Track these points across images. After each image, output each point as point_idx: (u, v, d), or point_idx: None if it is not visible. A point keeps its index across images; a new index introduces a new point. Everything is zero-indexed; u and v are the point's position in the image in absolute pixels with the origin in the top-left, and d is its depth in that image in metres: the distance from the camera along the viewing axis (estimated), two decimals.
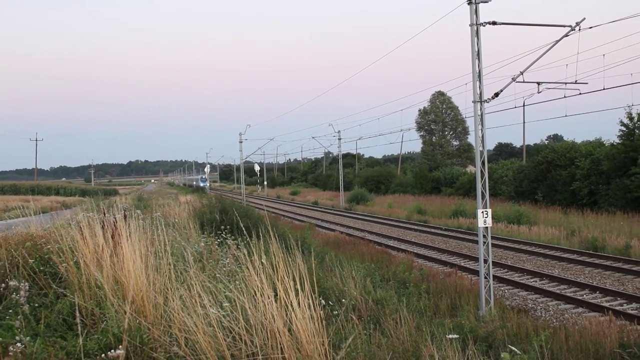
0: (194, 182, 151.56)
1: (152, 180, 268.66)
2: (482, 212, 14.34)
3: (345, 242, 27.69)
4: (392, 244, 29.88)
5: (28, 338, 6.15)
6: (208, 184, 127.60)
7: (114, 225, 10.10)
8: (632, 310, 15.68)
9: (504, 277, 20.37)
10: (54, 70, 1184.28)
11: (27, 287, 8.02)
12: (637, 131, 39.20)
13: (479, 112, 14.49)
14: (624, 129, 40.38)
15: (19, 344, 5.89)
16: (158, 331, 6.37)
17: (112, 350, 5.64)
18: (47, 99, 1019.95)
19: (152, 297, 7.07)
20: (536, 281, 19.94)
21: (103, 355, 5.70)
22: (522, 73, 15.44)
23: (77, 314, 6.31)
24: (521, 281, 19.67)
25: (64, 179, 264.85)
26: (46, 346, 6.15)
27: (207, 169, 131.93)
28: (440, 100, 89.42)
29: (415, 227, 38.69)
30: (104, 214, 11.62)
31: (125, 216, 10.83)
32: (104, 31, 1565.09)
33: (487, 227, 14.48)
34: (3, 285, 8.25)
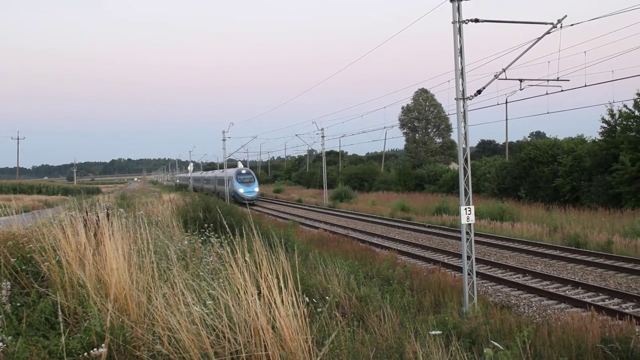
0: (204, 183, 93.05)
1: (135, 179, 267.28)
2: (465, 209, 14.39)
3: (329, 239, 27.69)
4: (375, 241, 29.92)
5: (10, 337, 6.12)
6: (257, 191, 70.60)
7: (97, 223, 10.06)
8: (613, 305, 15.80)
9: (488, 273, 20.45)
10: (34, 66, 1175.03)
11: (9, 287, 7.97)
12: (619, 128, 39.51)
13: (462, 109, 14.55)
14: (605, 125, 40.71)
15: (0, 344, 5.85)
16: (141, 329, 6.35)
17: (95, 349, 5.62)
18: (28, 96, 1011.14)
19: (135, 295, 7.04)
20: (519, 277, 20.04)
21: (85, 354, 5.68)
22: (504, 70, 15.52)
23: (59, 313, 6.28)
24: (504, 277, 19.77)
25: (46, 177, 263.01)
26: (28, 345, 6.11)
27: (190, 167, 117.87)
28: (424, 98, 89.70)
29: (399, 225, 38.74)
30: (87, 213, 11.57)
31: (108, 214, 10.78)
32: (84, 25, 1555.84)
33: (470, 224, 14.55)
34: None
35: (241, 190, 67.78)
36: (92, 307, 6.88)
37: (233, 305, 5.96)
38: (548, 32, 14.89)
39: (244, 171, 72.70)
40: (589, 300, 16.31)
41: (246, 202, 59.45)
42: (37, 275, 9.22)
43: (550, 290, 17.65)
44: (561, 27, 14.71)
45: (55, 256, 8.95)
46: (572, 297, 16.73)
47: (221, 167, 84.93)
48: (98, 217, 10.55)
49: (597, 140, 42.26)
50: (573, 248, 25.28)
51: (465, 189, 14.54)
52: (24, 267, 9.49)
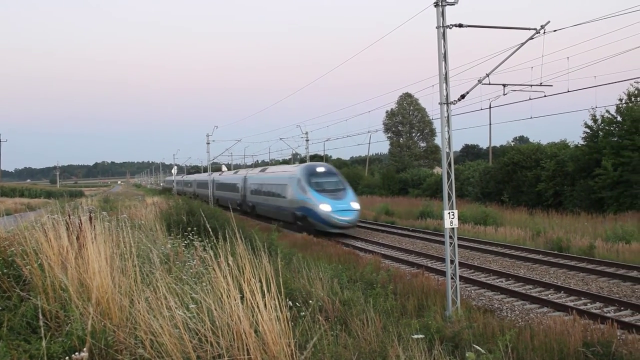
0: (224, 191, 63.61)
1: (119, 182, 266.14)
2: (449, 213, 14.42)
3: (313, 243, 27.65)
4: (359, 245, 29.94)
5: None
6: (358, 209, 35.50)
7: (79, 227, 10.02)
8: (595, 309, 15.88)
9: (471, 277, 20.51)
10: (16, 66, 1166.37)
11: None
12: (601, 133, 39.75)
13: (446, 114, 14.58)
14: (588, 130, 40.94)
15: None
16: (123, 333, 6.33)
17: (77, 353, 5.60)
18: (10, 97, 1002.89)
19: (117, 299, 7.02)
20: (502, 281, 20.11)
21: (67, 358, 5.65)
22: (488, 75, 15.57)
23: (40, 317, 6.25)
24: (487, 281, 19.82)
25: (28, 180, 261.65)
26: (9, 349, 6.08)
27: (174, 170, 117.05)
28: (408, 102, 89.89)
29: (383, 228, 38.75)
30: (69, 216, 11.52)
31: (90, 218, 10.73)
32: (71, 26, 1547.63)
33: (453, 228, 14.57)
34: None
35: (326, 207, 34.15)
36: (74, 311, 6.85)
37: (216, 309, 5.96)
38: (531, 38, 14.96)
39: (321, 169, 38.54)
40: (571, 304, 16.39)
41: (337, 230, 34.16)
42: (19, 279, 9.17)
43: (533, 294, 17.72)
44: (544, 32, 14.78)
45: (37, 260, 8.91)
46: (555, 301, 16.81)
47: (205, 170, 79.23)
48: (81, 220, 10.50)
49: (579, 145, 42.51)
50: (556, 252, 25.37)
51: (448, 193, 14.57)
52: (5, 270, 9.44)
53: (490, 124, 60.49)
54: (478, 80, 15.57)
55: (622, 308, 16.09)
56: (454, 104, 14.82)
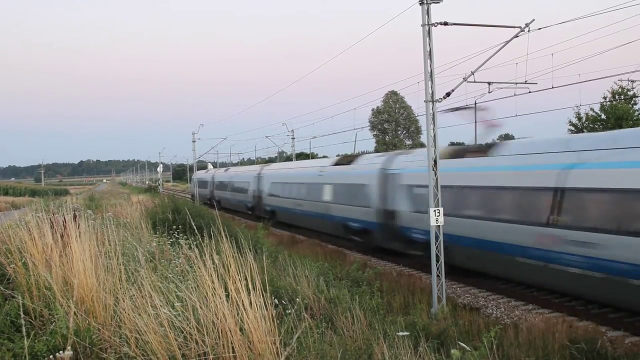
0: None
1: (104, 180, 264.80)
2: (435, 210, 14.46)
3: (300, 241, 27.66)
4: (346, 244, 29.89)
5: None
6: None
7: (64, 225, 9.98)
8: (580, 306, 15.93)
9: (456, 275, 20.51)
10: None
11: None
12: (586, 130, 39.92)
13: (431, 112, 14.62)
14: (572, 128, 41.16)
15: None
16: (108, 332, 6.31)
17: (61, 352, 5.57)
18: None
19: (102, 297, 6.99)
20: (487, 279, 20.12)
21: (51, 356, 5.63)
22: (473, 73, 15.61)
23: (23, 315, 6.22)
24: (473, 279, 19.83)
25: (13, 179, 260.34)
26: None
27: (160, 169, 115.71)
28: (394, 100, 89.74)
29: None
30: (53, 214, 11.47)
31: (75, 216, 10.69)
32: (47, 17, 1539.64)
33: (439, 226, 14.61)
34: None
35: None
36: (58, 310, 6.82)
37: (201, 307, 5.94)
38: (516, 36, 15.02)
39: None
40: (556, 301, 16.43)
41: None
42: (3, 277, 9.14)
43: (518, 292, 17.75)
44: (529, 30, 14.83)
45: (22, 258, 8.86)
46: (540, 298, 16.85)
47: (191, 169, 79.24)
48: (65, 218, 10.46)
49: None
50: None
51: (434, 191, 14.61)
52: None
53: (475, 122, 60.70)
54: (463, 79, 15.63)
55: (606, 305, 16.16)
56: (440, 101, 14.87)
